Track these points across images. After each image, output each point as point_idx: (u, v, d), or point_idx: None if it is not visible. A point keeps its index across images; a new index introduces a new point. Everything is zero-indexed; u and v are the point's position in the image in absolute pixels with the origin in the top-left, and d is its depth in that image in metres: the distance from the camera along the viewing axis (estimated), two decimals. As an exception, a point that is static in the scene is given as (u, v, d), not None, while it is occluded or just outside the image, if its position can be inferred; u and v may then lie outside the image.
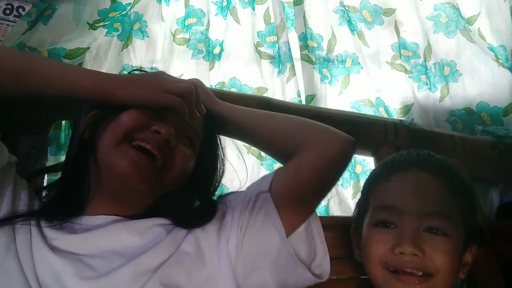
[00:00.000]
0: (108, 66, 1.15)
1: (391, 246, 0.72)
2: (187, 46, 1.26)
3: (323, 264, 0.75)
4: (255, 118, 0.85)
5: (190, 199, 0.81)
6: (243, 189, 1.13)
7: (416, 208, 0.72)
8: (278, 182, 0.75)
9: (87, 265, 0.63)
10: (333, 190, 1.14)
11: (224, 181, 1.17)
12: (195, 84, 0.76)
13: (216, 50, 1.27)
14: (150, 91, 0.71)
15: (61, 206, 0.71)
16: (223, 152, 0.86)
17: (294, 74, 1.22)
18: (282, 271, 0.71)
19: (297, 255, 0.72)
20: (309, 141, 0.78)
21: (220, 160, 0.85)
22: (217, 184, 0.84)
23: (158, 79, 0.74)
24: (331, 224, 0.87)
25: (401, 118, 1.22)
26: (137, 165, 0.67)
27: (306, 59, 1.26)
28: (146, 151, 0.69)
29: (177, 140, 0.72)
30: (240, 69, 1.27)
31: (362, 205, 0.83)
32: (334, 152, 0.76)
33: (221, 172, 0.85)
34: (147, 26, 1.22)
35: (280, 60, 1.25)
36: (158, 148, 0.69)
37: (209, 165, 0.82)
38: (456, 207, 0.74)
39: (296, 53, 1.27)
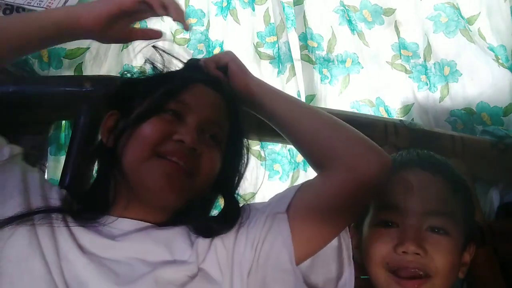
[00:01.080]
0: (108, 66, 1.15)
1: (393, 245, 0.71)
2: (187, 46, 1.26)
3: (347, 285, 0.71)
4: (286, 109, 0.77)
5: (213, 201, 0.79)
6: (239, 190, 1.14)
7: (418, 207, 0.72)
8: (297, 204, 0.69)
9: (112, 270, 0.62)
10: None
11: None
12: None
13: (216, 51, 1.27)
14: (104, 3, 0.69)
15: (88, 205, 0.69)
16: (248, 141, 0.81)
17: (294, 74, 1.22)
18: None
19: (328, 272, 0.71)
20: (339, 156, 0.69)
21: (245, 150, 0.80)
22: (241, 177, 0.79)
23: None
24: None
25: (401, 118, 1.22)
26: (169, 177, 0.66)
27: (306, 59, 1.26)
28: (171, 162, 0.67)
29: (202, 143, 0.69)
30: (240, 69, 1.27)
31: None
32: (366, 175, 0.67)
33: (245, 164, 0.80)
34: (147, 26, 1.22)
35: (280, 60, 1.25)
36: (184, 159, 0.67)
37: (234, 157, 0.78)
38: (457, 206, 0.74)
39: (296, 53, 1.27)
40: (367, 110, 1.25)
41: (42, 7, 1.01)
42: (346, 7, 1.31)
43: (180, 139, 0.67)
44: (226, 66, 0.80)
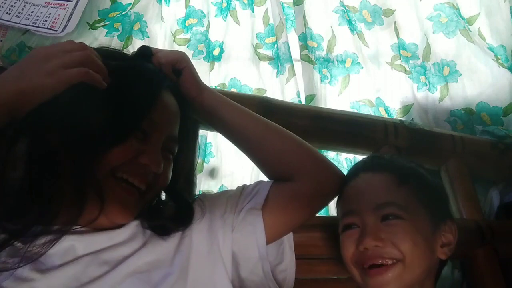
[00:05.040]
0: (108, 66, 1.15)
1: (356, 245, 0.76)
2: (187, 47, 1.26)
3: (288, 269, 0.77)
4: (244, 123, 0.78)
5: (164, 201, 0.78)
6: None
7: (368, 204, 0.77)
8: (270, 204, 0.74)
9: (75, 278, 0.60)
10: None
11: (225, 182, 1.19)
12: (84, 47, 0.64)
13: (216, 52, 1.27)
14: (46, 75, 0.58)
15: (26, 218, 0.61)
16: (195, 141, 0.81)
17: (294, 75, 1.22)
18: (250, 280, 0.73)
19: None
20: (307, 172, 0.77)
21: (196, 154, 0.81)
22: (187, 176, 0.79)
23: (46, 57, 0.60)
24: (330, 223, 0.87)
25: (401, 118, 1.22)
26: (125, 205, 0.65)
27: (306, 59, 1.26)
28: (131, 184, 0.65)
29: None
30: (240, 70, 1.27)
31: (337, 215, 0.86)
32: (331, 189, 0.80)
33: (192, 163, 0.80)
34: (147, 26, 1.22)
35: (279, 60, 1.25)
36: (145, 182, 0.66)
37: (181, 159, 0.77)
38: (406, 193, 0.78)
39: (296, 53, 1.27)
40: (367, 110, 1.25)
41: (47, 28, 1.02)
42: (346, 8, 1.31)
43: (147, 164, 0.65)
44: (180, 71, 0.77)
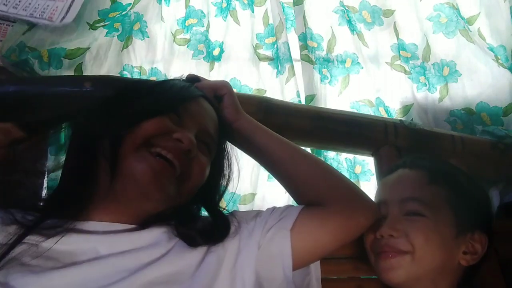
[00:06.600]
0: (108, 67, 1.15)
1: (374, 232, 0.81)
2: (187, 47, 1.26)
3: None
4: (278, 149, 0.81)
5: (197, 211, 0.79)
6: (239, 190, 1.14)
7: (395, 197, 0.82)
8: (299, 228, 0.73)
9: (91, 278, 0.60)
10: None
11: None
12: None
13: (216, 52, 1.27)
14: None
15: (58, 211, 0.65)
16: (229, 157, 0.83)
17: (294, 75, 1.22)
18: None
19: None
20: (337, 198, 0.76)
21: (228, 166, 0.82)
22: (223, 191, 0.82)
23: None
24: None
25: (401, 118, 1.22)
26: (157, 173, 0.65)
27: (306, 59, 1.26)
28: (165, 158, 0.67)
29: (196, 148, 0.70)
30: (240, 70, 1.27)
31: None
32: (361, 218, 0.77)
33: (227, 179, 0.82)
34: (147, 26, 1.22)
35: (279, 60, 1.25)
36: (178, 158, 0.68)
37: (217, 172, 0.80)
38: (435, 192, 0.80)
39: (296, 53, 1.27)
40: (367, 110, 1.25)
41: (45, 18, 1.02)
42: (346, 8, 1.31)
43: (180, 138, 0.68)
44: (221, 97, 0.83)
